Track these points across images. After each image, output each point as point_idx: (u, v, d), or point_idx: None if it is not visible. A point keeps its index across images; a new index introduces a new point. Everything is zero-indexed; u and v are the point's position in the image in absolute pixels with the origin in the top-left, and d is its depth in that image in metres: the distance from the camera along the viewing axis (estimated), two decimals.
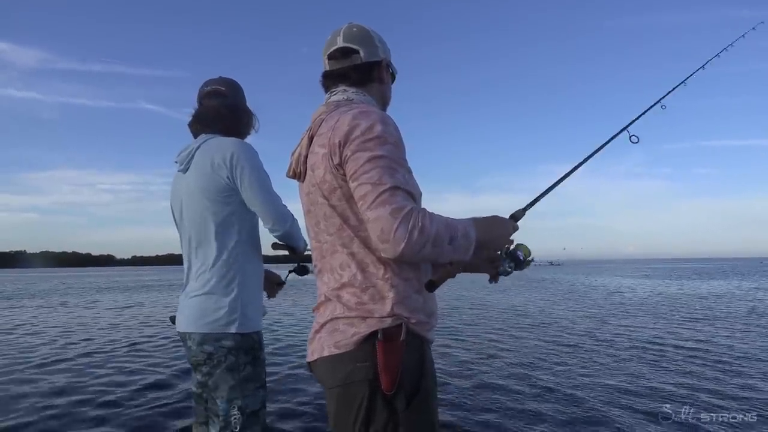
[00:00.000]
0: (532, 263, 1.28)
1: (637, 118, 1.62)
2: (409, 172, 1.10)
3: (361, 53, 1.24)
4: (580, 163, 1.48)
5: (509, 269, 1.24)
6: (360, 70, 1.25)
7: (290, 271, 2.00)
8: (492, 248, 1.20)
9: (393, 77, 1.36)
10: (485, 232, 1.15)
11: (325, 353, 1.12)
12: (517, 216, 1.29)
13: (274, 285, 2.01)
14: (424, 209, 1.04)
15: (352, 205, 1.11)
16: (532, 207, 1.35)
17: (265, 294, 1.92)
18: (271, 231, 1.71)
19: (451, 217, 1.09)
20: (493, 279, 1.30)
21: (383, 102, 1.31)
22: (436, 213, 1.06)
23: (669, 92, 1.77)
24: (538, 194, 1.38)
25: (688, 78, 1.85)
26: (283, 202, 1.75)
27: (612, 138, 1.57)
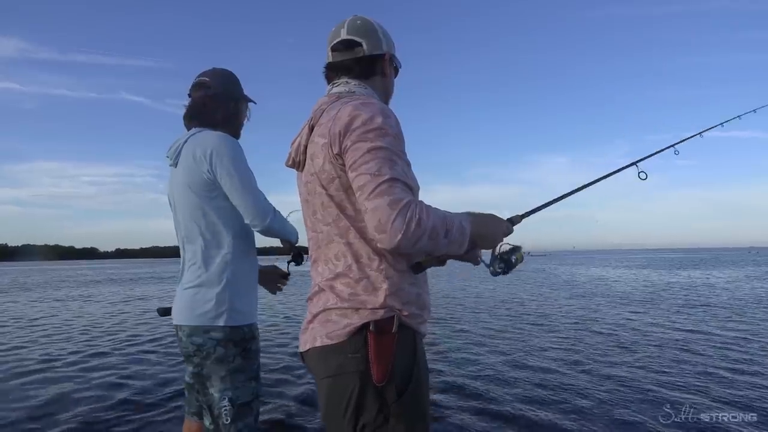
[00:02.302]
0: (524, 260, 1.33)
1: (648, 156, 1.70)
2: (408, 165, 1.12)
3: (365, 46, 1.26)
4: (586, 185, 1.55)
5: (499, 270, 1.28)
6: (363, 63, 1.27)
7: (288, 262, 2.02)
8: (484, 244, 1.23)
9: (396, 71, 1.38)
10: (480, 227, 1.18)
11: (317, 344, 1.15)
12: (514, 220, 1.32)
13: (277, 277, 2.04)
14: (422, 202, 1.07)
15: (349, 195, 1.13)
16: (530, 215, 1.38)
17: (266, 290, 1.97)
18: (251, 227, 1.74)
19: (447, 210, 1.12)
20: (475, 262, 1.34)
21: (386, 95, 1.34)
22: (432, 206, 1.09)
23: (684, 140, 1.84)
24: (539, 205, 1.43)
25: (705, 131, 1.92)
26: (267, 197, 1.76)
27: (620, 170, 1.65)
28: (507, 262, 1.28)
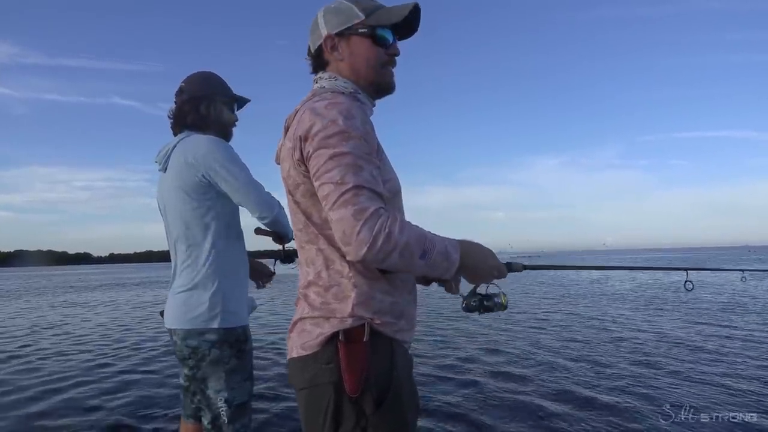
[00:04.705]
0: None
1: (702, 269, 2.31)
2: (378, 168, 1.07)
3: (310, 45, 1.24)
4: (608, 267, 1.71)
5: (473, 305, 1.21)
6: (314, 59, 1.25)
7: (276, 260, 2.05)
8: (470, 278, 1.15)
9: (371, 37, 1.18)
10: (473, 258, 1.12)
11: (294, 354, 1.14)
12: (514, 267, 1.24)
13: (263, 276, 2.08)
14: (396, 216, 1.01)
15: (315, 202, 1.10)
16: (534, 269, 1.32)
17: (254, 284, 2.01)
18: (260, 219, 1.78)
19: (436, 234, 1.06)
20: (449, 290, 1.24)
21: (358, 75, 1.20)
22: (414, 224, 1.04)
23: (748, 270, 1.98)
24: (548, 264, 1.38)
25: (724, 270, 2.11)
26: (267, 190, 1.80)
27: (668, 269, 1.83)
28: (484, 303, 1.21)
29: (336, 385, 1.04)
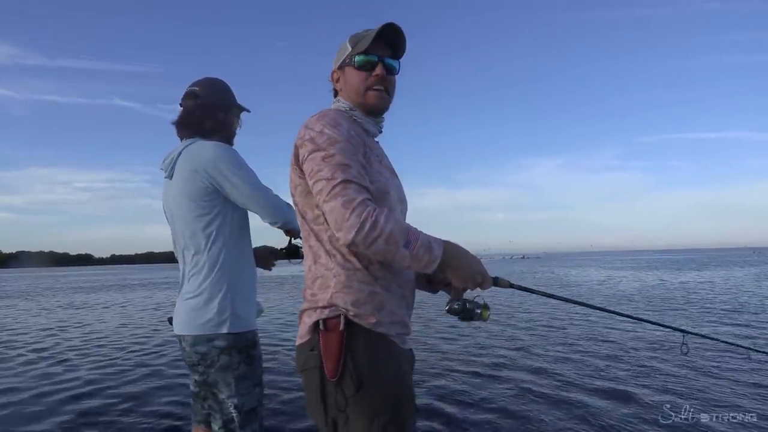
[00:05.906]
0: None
1: (703, 336, 2.19)
2: (364, 167, 1.21)
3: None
4: (593, 306, 1.68)
5: (456, 307, 1.26)
6: (334, 90, 1.45)
7: (281, 254, 2.05)
8: (456, 279, 1.21)
9: (353, 64, 1.34)
10: (459, 260, 1.19)
11: (297, 342, 1.29)
12: (500, 282, 1.29)
13: (268, 257, 2.06)
14: (383, 208, 1.14)
15: (309, 200, 1.26)
16: (520, 289, 1.36)
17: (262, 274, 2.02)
18: (272, 224, 1.81)
19: (421, 230, 1.15)
20: (456, 296, 1.29)
21: (350, 99, 1.38)
22: (400, 219, 1.16)
23: (753, 349, 2.15)
24: (534, 288, 1.43)
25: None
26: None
27: (666, 327, 1.93)
28: (467, 308, 1.25)
29: (320, 369, 1.18)
